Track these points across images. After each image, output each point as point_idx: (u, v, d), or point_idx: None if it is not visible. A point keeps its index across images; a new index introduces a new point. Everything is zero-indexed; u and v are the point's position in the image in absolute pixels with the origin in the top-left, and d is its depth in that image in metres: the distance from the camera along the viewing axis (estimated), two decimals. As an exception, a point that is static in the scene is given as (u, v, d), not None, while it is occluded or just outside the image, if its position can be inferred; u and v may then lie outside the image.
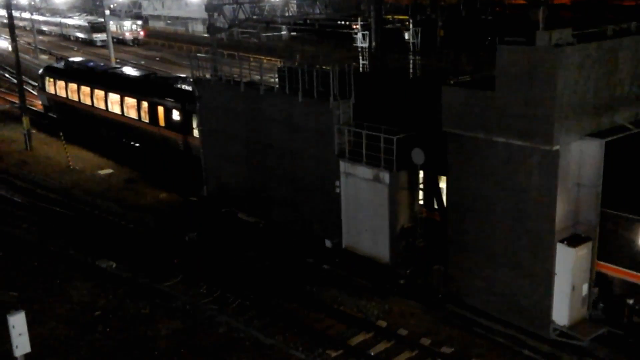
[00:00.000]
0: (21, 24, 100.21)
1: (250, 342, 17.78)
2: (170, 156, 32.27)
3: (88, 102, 38.65)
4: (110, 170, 33.73)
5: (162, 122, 32.33)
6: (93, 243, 24.21)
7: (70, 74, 41.30)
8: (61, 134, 36.57)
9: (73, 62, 44.94)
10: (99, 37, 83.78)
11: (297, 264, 22.44)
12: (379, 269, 20.90)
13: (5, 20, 38.57)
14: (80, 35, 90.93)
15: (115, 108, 36.30)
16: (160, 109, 32.28)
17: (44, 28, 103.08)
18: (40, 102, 46.02)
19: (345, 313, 19.21)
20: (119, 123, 36.21)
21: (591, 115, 16.56)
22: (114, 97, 36.35)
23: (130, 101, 34.77)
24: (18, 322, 14.97)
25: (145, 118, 33.57)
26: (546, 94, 15.57)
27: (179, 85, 32.66)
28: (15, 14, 66.63)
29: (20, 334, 15.01)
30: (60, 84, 41.71)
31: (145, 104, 33.48)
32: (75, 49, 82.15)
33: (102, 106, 37.31)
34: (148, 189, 30.93)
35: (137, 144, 35.74)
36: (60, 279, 21.50)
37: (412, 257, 20.43)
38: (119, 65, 48.00)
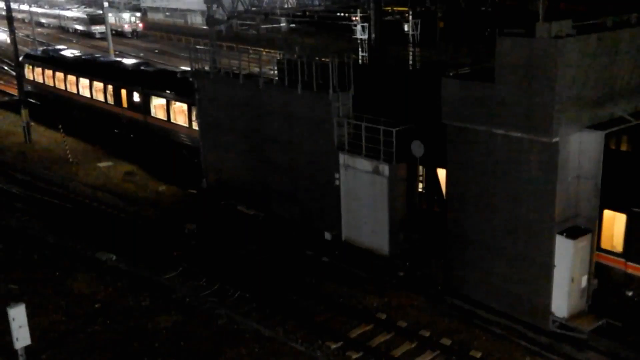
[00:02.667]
0: (20, 16, 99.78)
1: (250, 334, 17.80)
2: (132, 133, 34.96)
3: (62, 86, 41.36)
4: (110, 163, 33.70)
5: (124, 104, 35.13)
6: (93, 235, 24.21)
7: (47, 61, 44.16)
8: (60, 126, 36.59)
9: (49, 49, 48.34)
10: (97, 29, 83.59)
11: (296, 256, 22.45)
12: (378, 261, 20.93)
13: (4, 13, 38.63)
14: (79, 27, 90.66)
15: (85, 92, 38.99)
16: (123, 92, 35.08)
17: (43, 20, 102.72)
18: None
19: (344, 305, 19.23)
20: (90, 106, 38.85)
21: (591, 107, 16.53)
22: (84, 82, 39.08)
23: (98, 85, 37.54)
24: (18, 315, 15.01)
25: (111, 100, 36.40)
26: (546, 86, 15.54)
27: (141, 70, 35.68)
28: (14, 6, 66.33)
29: (20, 326, 15.06)
30: (38, 70, 44.36)
31: (110, 87, 36.33)
32: (74, 41, 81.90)
33: (74, 90, 40.16)
34: (147, 181, 30.91)
35: (118, 130, 37.52)
36: (60, 272, 21.51)
37: (411, 249, 20.45)
38: (90, 53, 51.15)
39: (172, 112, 31.50)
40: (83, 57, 43.71)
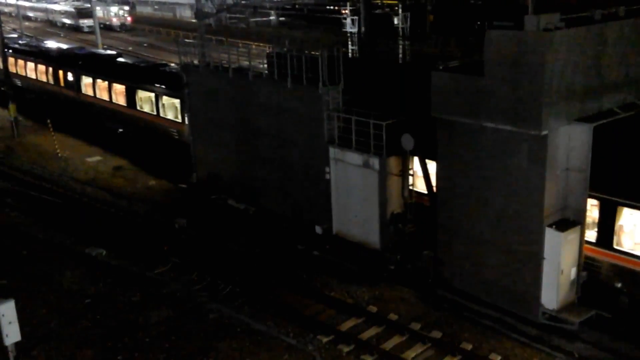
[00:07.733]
0: (6, 9, 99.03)
1: (241, 329, 17.81)
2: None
3: (22, 72, 45.47)
4: (99, 157, 33.58)
5: (62, 83, 40.15)
6: (82, 231, 24.12)
7: (10, 49, 47.36)
8: (49, 121, 36.44)
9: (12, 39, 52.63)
10: (85, 23, 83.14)
11: (287, 250, 22.46)
12: (369, 255, 20.95)
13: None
14: (67, 21, 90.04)
15: (35, 74, 43.68)
16: (60, 72, 40.13)
17: (30, 14, 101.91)
18: None
19: (335, 299, 19.27)
20: (39, 87, 43.48)
21: (579, 99, 16.59)
22: (30, 65, 43.95)
23: (42, 68, 42.67)
24: (8, 311, 14.91)
25: (51, 80, 41.48)
26: (534, 79, 15.57)
27: (78, 55, 40.41)
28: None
29: (10, 323, 14.96)
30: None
31: (51, 69, 41.33)
32: (62, 35, 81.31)
33: (30, 75, 44.56)
34: (137, 176, 30.82)
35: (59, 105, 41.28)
36: (49, 267, 21.42)
37: (402, 242, 20.49)
38: (47, 41, 54.35)
39: (98, 89, 36.39)
40: (36, 45, 48.71)
